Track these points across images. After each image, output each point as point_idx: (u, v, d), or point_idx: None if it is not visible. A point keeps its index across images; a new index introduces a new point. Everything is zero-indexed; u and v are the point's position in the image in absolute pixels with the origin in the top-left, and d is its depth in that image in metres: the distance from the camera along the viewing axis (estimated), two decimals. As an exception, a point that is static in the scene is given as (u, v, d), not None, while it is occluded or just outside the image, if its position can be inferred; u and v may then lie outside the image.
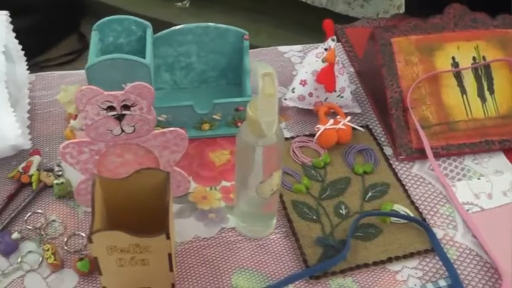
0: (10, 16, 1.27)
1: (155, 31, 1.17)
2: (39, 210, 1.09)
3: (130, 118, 0.95)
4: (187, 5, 2.83)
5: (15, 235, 1.03)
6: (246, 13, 2.72)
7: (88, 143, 0.98)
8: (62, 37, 2.90)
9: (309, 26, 2.29)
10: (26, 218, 1.09)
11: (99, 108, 0.93)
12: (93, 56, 1.09)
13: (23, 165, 1.13)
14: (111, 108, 0.94)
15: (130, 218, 0.93)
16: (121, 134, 0.97)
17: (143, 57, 1.10)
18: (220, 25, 1.20)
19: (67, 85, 1.17)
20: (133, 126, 0.96)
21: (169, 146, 1.01)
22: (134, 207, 0.95)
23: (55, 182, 1.08)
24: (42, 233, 1.05)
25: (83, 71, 1.27)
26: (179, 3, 2.83)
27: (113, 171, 1.03)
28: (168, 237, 0.85)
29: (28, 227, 1.06)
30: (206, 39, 1.21)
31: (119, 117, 0.95)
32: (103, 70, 1.07)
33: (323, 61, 1.22)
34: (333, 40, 1.23)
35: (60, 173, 1.11)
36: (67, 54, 2.86)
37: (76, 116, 1.14)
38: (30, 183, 1.13)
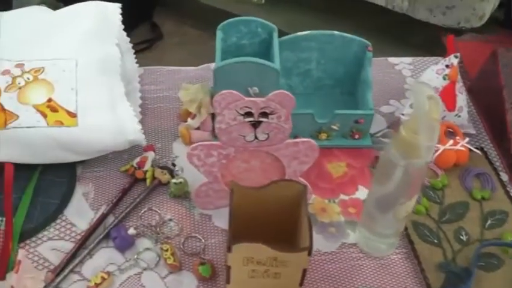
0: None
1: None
2: (155, 208, 1.05)
3: (266, 126, 0.93)
4: (263, 1, 2.79)
5: (131, 231, 1.02)
6: (320, 14, 2.68)
7: (217, 147, 0.96)
8: (134, 26, 2.88)
9: (385, 32, 2.26)
10: (140, 214, 1.07)
11: (236, 114, 0.91)
12: (219, 56, 1.08)
13: (137, 160, 1.11)
14: (248, 114, 0.91)
15: (261, 227, 0.91)
16: (253, 140, 0.95)
17: (266, 59, 1.08)
18: (345, 34, 1.18)
19: (187, 83, 1.15)
20: (267, 134, 0.94)
21: (298, 157, 0.99)
22: (265, 217, 0.93)
23: (173, 181, 1.06)
24: (158, 231, 1.02)
25: (191, 68, 1.27)
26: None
27: (236, 176, 1.01)
28: (310, 254, 0.83)
29: (143, 223, 1.03)
30: (329, 47, 1.18)
31: (255, 124, 0.93)
32: (231, 72, 1.05)
33: (444, 78, 1.18)
34: (456, 57, 1.20)
35: (178, 172, 1.08)
36: (139, 43, 2.84)
37: (194, 115, 1.11)
38: (143, 179, 1.10)
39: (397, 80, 1.35)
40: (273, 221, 0.94)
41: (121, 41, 1.22)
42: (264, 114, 0.92)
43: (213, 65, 1.28)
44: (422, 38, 2.45)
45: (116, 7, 1.25)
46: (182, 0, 2.94)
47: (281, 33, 1.15)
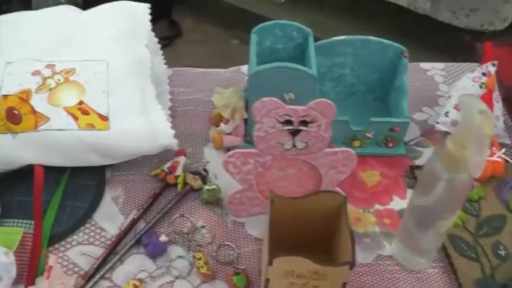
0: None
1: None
2: (187, 215, 1.03)
3: (305, 134, 0.91)
4: (282, 0, 2.77)
5: (163, 238, 1.00)
6: (340, 15, 2.66)
7: (254, 155, 0.94)
8: (152, 22, 2.85)
9: (406, 33, 2.22)
10: (172, 220, 1.06)
11: (276, 121, 0.89)
12: (253, 61, 1.06)
13: (168, 164, 1.09)
14: (288, 122, 0.89)
15: (297, 237, 0.90)
16: (291, 149, 0.93)
17: (300, 64, 1.06)
18: (381, 40, 1.15)
19: (218, 86, 1.12)
20: (306, 142, 0.92)
21: (336, 166, 0.97)
22: (302, 227, 0.91)
23: (206, 187, 1.04)
24: (190, 238, 1.00)
25: (221, 70, 1.25)
26: (275, -1, 2.78)
27: (271, 184, 0.99)
28: (351, 268, 0.80)
29: (175, 230, 1.01)
30: (364, 52, 1.16)
31: (294, 132, 0.91)
32: (267, 77, 1.03)
33: (481, 87, 1.16)
34: (493, 65, 1.17)
35: (211, 178, 1.05)
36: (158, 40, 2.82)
37: (227, 120, 1.09)
38: (174, 184, 1.08)
39: (429, 87, 1.32)
40: (309, 231, 0.92)
41: (149, 42, 1.20)
42: (304, 123, 0.90)
43: (243, 68, 1.27)
44: (443, 40, 2.42)
45: (145, 7, 1.23)
46: (201, -3, 2.92)
47: None
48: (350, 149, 0.95)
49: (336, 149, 0.95)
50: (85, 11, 1.24)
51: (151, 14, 1.22)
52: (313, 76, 1.02)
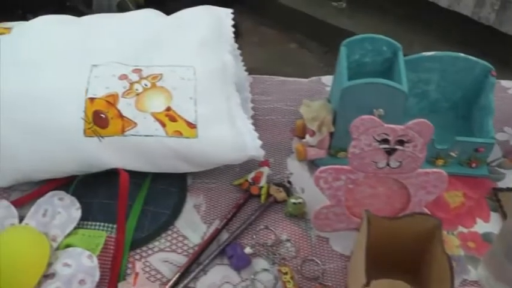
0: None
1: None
2: (271, 227, 1.02)
3: (400, 154, 0.89)
4: (343, 5, 2.75)
5: (247, 250, 0.99)
6: (400, 21, 2.64)
7: (347, 171, 0.93)
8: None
9: (466, 43, 2.19)
10: (256, 232, 1.05)
11: (373, 139, 0.88)
12: (344, 75, 1.05)
13: (252, 175, 1.08)
14: (385, 141, 0.87)
15: (386, 257, 0.89)
16: (385, 167, 0.91)
17: (388, 78, 1.05)
18: (469, 57, 1.13)
19: (309, 100, 1.12)
20: (400, 162, 0.91)
21: (426, 187, 0.95)
22: (391, 248, 0.89)
23: (292, 200, 1.03)
24: (275, 251, 0.99)
25: (303, 80, 1.24)
26: (336, 3, 2.76)
27: (359, 201, 0.98)
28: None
29: (259, 242, 1.00)
30: (452, 69, 1.14)
31: (390, 151, 0.89)
32: (358, 92, 1.02)
33: None
34: None
35: (297, 191, 1.04)
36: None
37: (313, 132, 1.08)
38: (257, 195, 1.06)
39: (510, 106, 1.29)
40: (397, 251, 0.91)
41: (232, 48, 1.18)
42: (400, 142, 0.88)
43: (323, 79, 1.26)
44: (505, 52, 2.39)
45: (228, 12, 1.22)
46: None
47: None
48: (441, 171, 0.94)
49: (428, 170, 0.93)
50: (168, 16, 1.23)
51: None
52: (404, 93, 1.01)
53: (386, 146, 0.89)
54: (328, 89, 1.27)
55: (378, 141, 0.89)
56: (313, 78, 1.31)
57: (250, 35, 2.78)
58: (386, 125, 0.87)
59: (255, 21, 2.87)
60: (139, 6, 2.53)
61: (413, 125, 0.87)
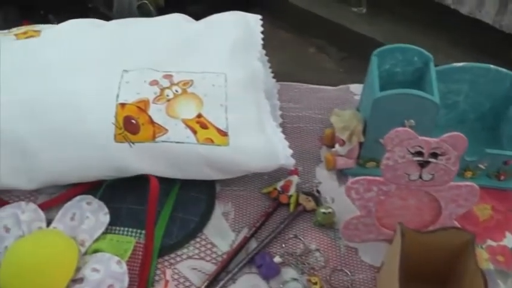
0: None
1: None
2: (300, 236, 1.02)
3: (433, 166, 0.89)
4: (364, 11, 2.74)
5: (277, 259, 0.99)
6: (423, 27, 2.62)
7: (379, 183, 0.93)
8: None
9: (492, 52, 2.18)
10: (284, 241, 1.05)
11: (407, 152, 0.88)
12: (376, 85, 1.05)
13: (281, 183, 1.08)
14: (418, 153, 0.87)
15: (417, 270, 0.89)
16: (417, 180, 0.91)
17: (418, 89, 1.05)
18: (499, 68, 1.13)
19: (339, 109, 1.11)
20: (433, 174, 0.91)
21: (457, 200, 0.95)
22: (422, 260, 0.89)
23: (322, 210, 1.03)
24: (303, 261, 0.99)
25: (330, 88, 1.24)
26: (356, 8, 2.75)
27: (389, 212, 0.98)
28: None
29: (287, 251, 1.00)
30: (481, 80, 1.14)
31: (423, 164, 0.89)
32: (390, 103, 1.02)
33: None
34: None
35: (327, 201, 1.04)
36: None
37: (343, 141, 1.08)
38: (285, 204, 1.06)
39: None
40: (428, 264, 0.92)
41: (260, 54, 1.18)
42: (434, 155, 0.88)
43: (352, 87, 1.26)
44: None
45: (257, 19, 1.22)
46: (278, 2, 2.90)
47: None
48: (473, 184, 0.94)
49: (461, 183, 0.93)
50: (196, 21, 1.23)
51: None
52: (436, 104, 1.01)
53: (420, 158, 0.89)
54: (356, 97, 1.27)
55: (412, 153, 0.88)
56: (342, 86, 1.31)
57: (269, 38, 2.76)
58: (420, 138, 0.87)
59: (273, 25, 2.87)
60: (159, 9, 2.53)
61: (447, 138, 0.87)
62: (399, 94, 1.01)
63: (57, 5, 2.30)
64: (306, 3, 2.88)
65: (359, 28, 2.69)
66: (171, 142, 1.02)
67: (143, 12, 2.46)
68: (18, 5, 2.26)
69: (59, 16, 2.16)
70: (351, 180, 0.93)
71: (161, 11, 2.54)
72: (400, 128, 0.87)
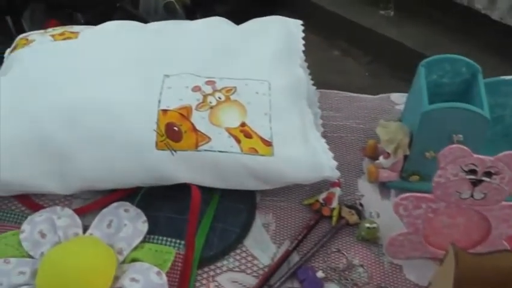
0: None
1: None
2: (343, 251, 1.00)
3: (486, 185, 0.87)
4: (391, 14, 2.71)
5: (319, 274, 0.97)
6: (449, 31, 2.59)
7: (429, 200, 0.90)
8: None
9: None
10: (327, 255, 1.02)
11: (460, 169, 0.85)
12: (424, 97, 1.02)
13: (323, 195, 1.06)
14: (472, 171, 0.85)
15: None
16: (468, 198, 0.88)
17: (465, 101, 1.02)
18: (548, 82, 1.09)
19: (386, 120, 1.09)
20: (485, 193, 0.88)
21: (508, 220, 0.93)
22: (474, 281, 0.86)
23: (367, 225, 1.00)
24: (347, 276, 0.97)
25: (370, 97, 1.21)
26: (384, 11, 2.72)
27: (437, 230, 0.96)
28: None
29: (330, 266, 0.98)
30: (530, 94, 1.11)
31: (476, 183, 0.87)
32: (438, 116, 1.00)
33: None
34: None
35: (372, 215, 1.02)
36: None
37: (388, 154, 1.05)
38: (327, 217, 1.04)
39: None
40: (478, 284, 0.87)
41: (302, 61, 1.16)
42: (488, 174, 0.85)
43: (392, 96, 1.23)
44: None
45: (298, 24, 1.20)
46: (306, 4, 2.88)
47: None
48: (527, 204, 0.90)
49: (514, 203, 0.90)
50: (237, 26, 1.20)
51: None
52: (486, 119, 0.98)
53: (473, 176, 0.87)
54: (397, 107, 1.24)
55: (466, 171, 0.86)
56: (382, 95, 1.28)
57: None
58: (475, 156, 0.85)
59: (299, 27, 2.85)
60: (186, 8, 2.51)
61: (502, 157, 0.85)
62: (449, 108, 0.98)
63: (84, 4, 2.28)
64: (332, 4, 2.85)
65: (387, 31, 2.66)
66: (214, 151, 1.00)
67: (169, 10, 2.44)
68: (45, 4, 2.24)
69: (86, 14, 2.15)
70: (400, 196, 0.91)
71: (188, 9, 2.51)
72: (454, 145, 0.84)
